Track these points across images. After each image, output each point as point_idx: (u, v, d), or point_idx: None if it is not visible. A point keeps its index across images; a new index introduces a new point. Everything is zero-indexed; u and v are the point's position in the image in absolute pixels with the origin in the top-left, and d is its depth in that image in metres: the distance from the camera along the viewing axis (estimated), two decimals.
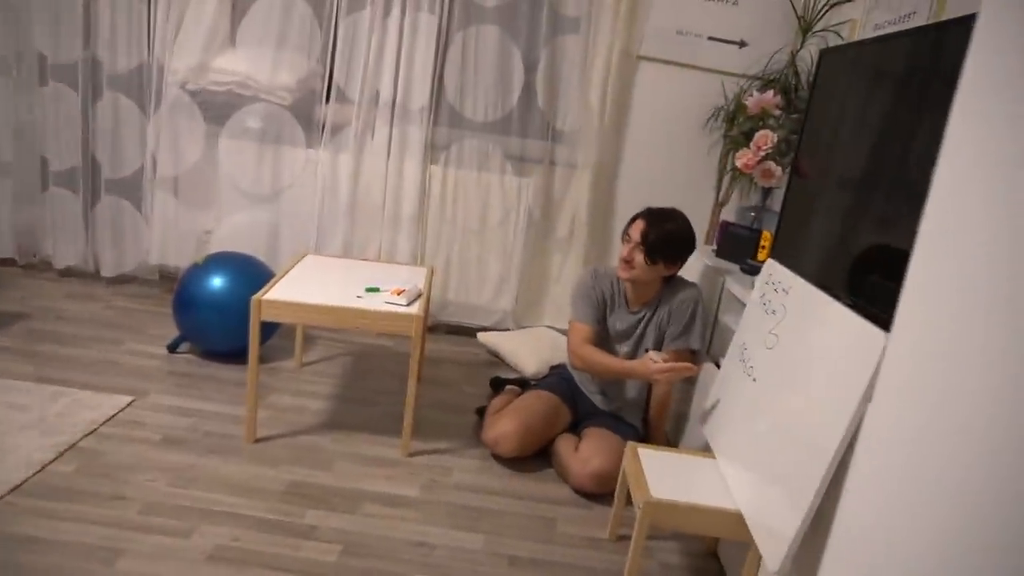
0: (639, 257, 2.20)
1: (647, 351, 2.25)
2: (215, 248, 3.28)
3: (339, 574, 1.71)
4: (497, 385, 2.77)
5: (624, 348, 2.34)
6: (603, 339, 2.35)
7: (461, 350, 3.30)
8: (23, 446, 2.02)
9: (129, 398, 2.40)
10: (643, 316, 2.31)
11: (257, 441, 2.26)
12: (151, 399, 2.43)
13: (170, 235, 3.40)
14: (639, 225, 2.22)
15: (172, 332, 2.90)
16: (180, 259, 3.41)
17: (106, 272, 3.49)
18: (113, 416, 2.28)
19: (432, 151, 3.30)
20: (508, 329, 3.42)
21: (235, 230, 3.35)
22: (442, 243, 3.37)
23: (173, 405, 2.42)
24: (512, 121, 3.29)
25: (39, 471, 1.93)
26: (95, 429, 2.18)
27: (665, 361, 2.08)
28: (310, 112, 3.31)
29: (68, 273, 3.54)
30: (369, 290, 2.35)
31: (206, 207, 3.40)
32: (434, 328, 3.45)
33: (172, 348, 2.82)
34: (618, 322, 2.34)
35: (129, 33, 3.25)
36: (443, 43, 3.20)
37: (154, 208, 3.38)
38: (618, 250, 2.30)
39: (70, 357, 2.66)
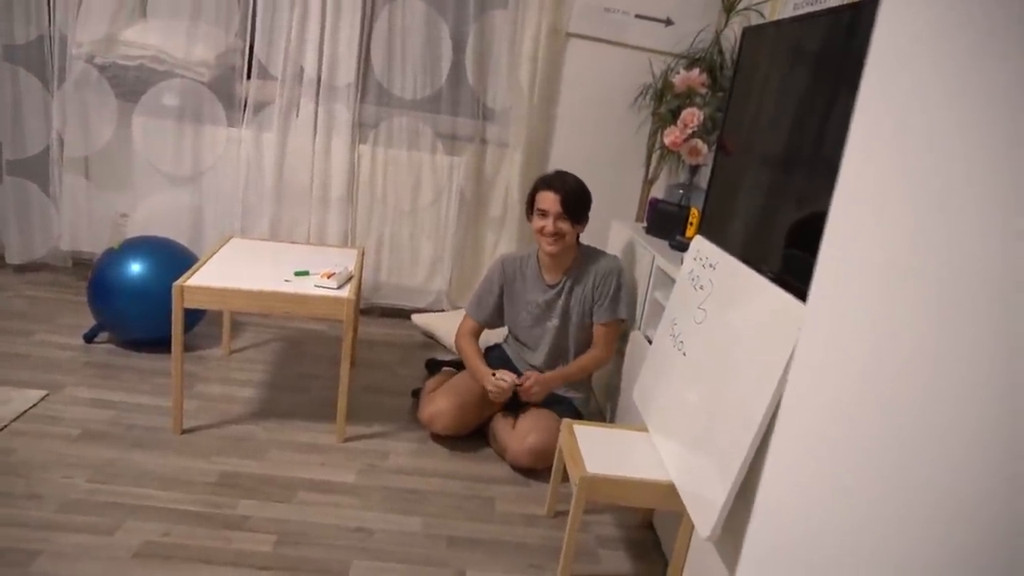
0: (565, 225, 2.23)
1: (565, 322, 2.32)
2: (132, 232, 3.13)
3: (274, 564, 1.68)
4: (433, 367, 2.76)
5: (553, 322, 2.37)
6: (520, 321, 2.40)
7: (395, 332, 3.26)
8: None
9: (42, 392, 2.27)
10: (562, 287, 2.34)
11: (185, 432, 2.18)
12: (67, 392, 2.31)
13: (82, 219, 3.22)
14: (549, 196, 2.24)
15: (88, 321, 2.76)
16: (94, 244, 3.23)
17: (12, 259, 3.27)
18: (25, 411, 2.15)
19: (360, 130, 3.22)
20: (443, 310, 3.40)
21: (154, 213, 3.20)
22: (373, 224, 3.31)
23: (92, 398, 2.30)
24: (442, 99, 3.24)
25: None
26: (5, 426, 2.06)
27: (504, 379, 2.24)
28: (230, 89, 3.17)
29: None
30: (298, 274, 2.29)
31: (121, 189, 3.23)
32: (367, 311, 3.40)
33: (89, 338, 2.68)
34: (536, 298, 2.37)
35: (27, 2, 3.03)
36: (368, 18, 3.11)
37: (63, 190, 3.19)
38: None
39: None
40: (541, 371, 2.42)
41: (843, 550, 0.60)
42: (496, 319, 2.47)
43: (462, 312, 3.32)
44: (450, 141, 3.29)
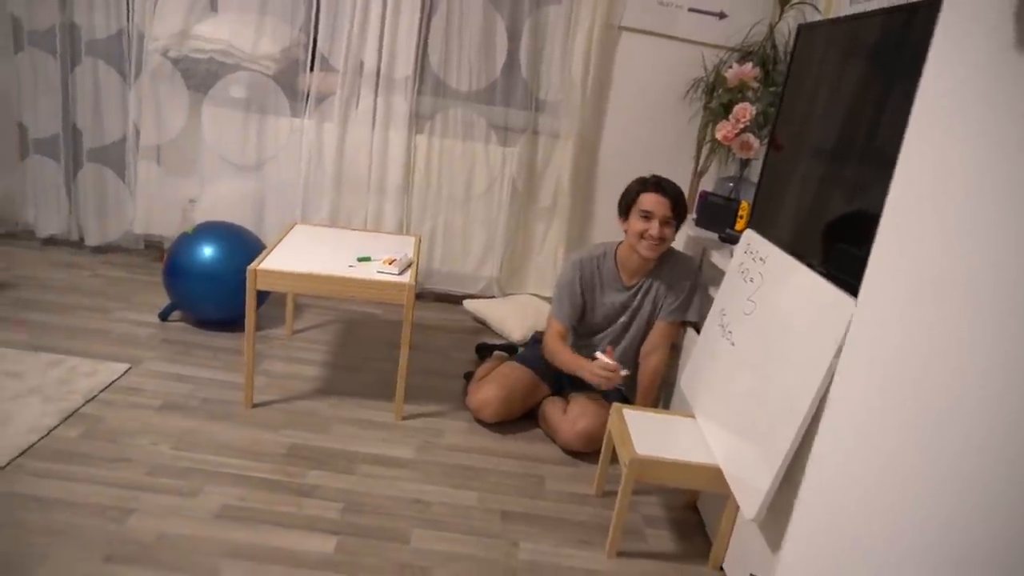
0: (670, 231, 2.26)
1: (636, 326, 2.36)
2: (200, 217, 3.30)
3: (342, 530, 1.81)
4: (483, 351, 2.87)
5: (622, 320, 2.42)
6: (593, 321, 2.44)
7: (448, 317, 3.38)
8: (26, 412, 2.07)
9: (125, 365, 2.45)
10: (639, 288, 2.39)
11: (255, 406, 2.33)
12: (147, 366, 2.49)
13: (154, 204, 3.41)
14: (660, 200, 2.22)
15: (161, 300, 2.94)
16: (165, 228, 3.42)
17: (91, 241, 3.49)
18: (112, 383, 2.33)
19: (417, 121, 3.33)
20: (493, 296, 3.51)
21: (219, 199, 3.37)
22: (428, 212, 3.42)
23: (170, 372, 2.47)
24: (496, 91, 3.32)
25: (45, 436, 1.99)
26: (95, 396, 2.24)
27: (607, 361, 2.18)
28: (294, 81, 3.31)
29: (51, 242, 3.54)
30: (361, 259, 2.41)
31: (190, 176, 3.41)
32: (421, 296, 3.52)
33: (164, 316, 2.86)
34: (612, 300, 2.40)
35: None
36: (427, 12, 3.21)
37: (138, 177, 3.38)
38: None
39: (61, 325, 2.70)
40: (591, 356, 2.49)
41: (882, 533, 0.67)
42: (578, 319, 2.44)
43: (511, 298, 3.43)
44: (503, 132, 3.38)
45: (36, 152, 3.39)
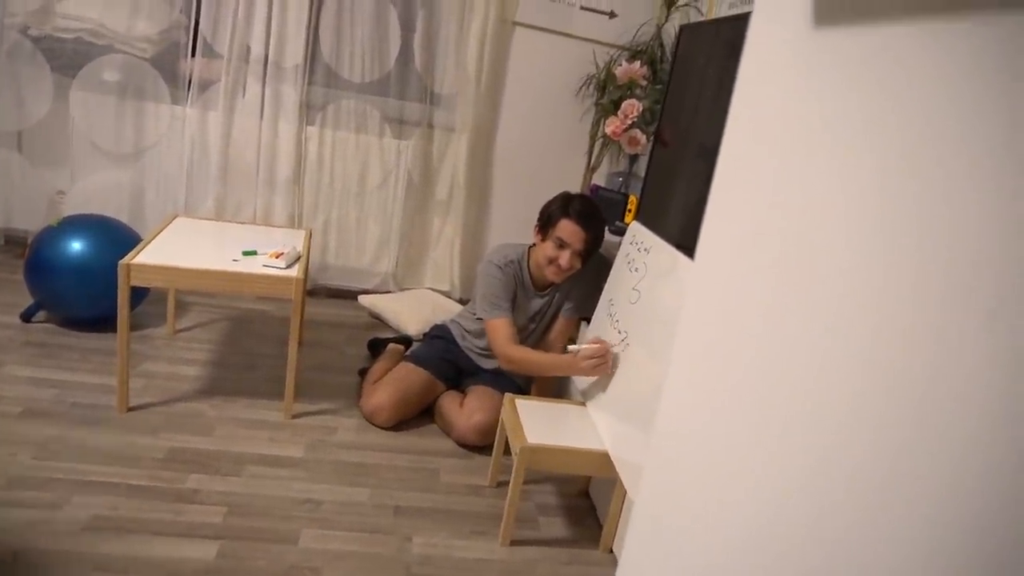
0: (578, 263, 2.22)
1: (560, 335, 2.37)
2: (70, 210, 3.07)
3: (225, 534, 1.73)
4: (376, 347, 2.82)
5: (534, 325, 2.43)
6: (517, 324, 2.36)
7: (342, 313, 3.30)
8: None
9: None
10: (551, 295, 2.40)
11: (131, 410, 2.19)
12: (6, 370, 2.29)
13: (16, 195, 3.14)
14: (577, 233, 2.17)
15: (24, 300, 2.71)
16: (28, 222, 3.16)
17: None
18: None
19: (308, 111, 3.23)
20: (389, 291, 3.46)
21: (93, 191, 3.14)
22: (320, 206, 3.33)
23: (33, 376, 2.28)
24: (390, 83, 3.27)
25: None
26: None
27: (589, 347, 1.98)
28: (174, 66, 3.13)
29: None
30: (246, 253, 2.31)
31: (58, 166, 3.16)
32: (314, 292, 3.42)
33: (26, 317, 2.64)
34: (528, 306, 2.40)
35: None
36: (316, 1, 3.11)
37: (1, 166, 3.11)
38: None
39: None
40: (481, 356, 2.49)
41: (721, 501, 0.70)
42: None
43: (408, 293, 3.40)
44: (398, 125, 3.33)
45: None
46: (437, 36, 3.26)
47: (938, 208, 0.44)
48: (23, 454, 1.89)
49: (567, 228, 2.18)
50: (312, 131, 3.25)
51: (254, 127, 3.18)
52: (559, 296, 2.41)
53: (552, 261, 2.22)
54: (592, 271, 2.34)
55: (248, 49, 3.10)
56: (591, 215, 2.21)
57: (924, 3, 0.47)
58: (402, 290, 3.48)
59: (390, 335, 2.97)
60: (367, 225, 3.40)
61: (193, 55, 3.12)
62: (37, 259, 2.56)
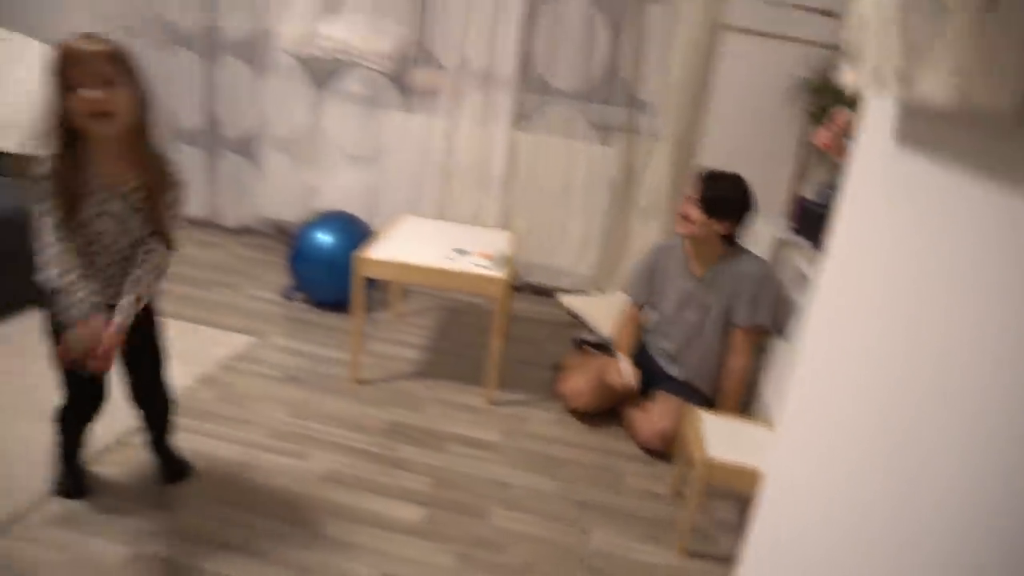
0: (695, 212, 2.34)
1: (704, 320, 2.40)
2: (322, 205, 3.59)
3: (430, 501, 1.98)
4: (579, 344, 2.97)
5: (690, 315, 2.46)
6: (665, 310, 2.51)
7: (543, 310, 3.51)
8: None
9: (252, 338, 2.75)
10: (706, 281, 2.42)
11: (360, 383, 2.56)
12: (270, 340, 2.78)
13: (283, 191, 3.74)
14: (698, 185, 2.37)
15: (286, 280, 3.24)
16: (291, 213, 3.74)
17: (227, 222, 3.88)
18: (240, 353, 2.63)
19: (519, 117, 3.46)
20: (588, 293, 3.60)
21: (340, 189, 3.65)
22: (528, 207, 3.55)
23: (289, 346, 2.75)
24: (597, 89, 3.39)
25: (183, 394, 2.28)
26: (226, 363, 2.53)
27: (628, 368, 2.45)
28: (405, 78, 3.52)
29: (194, 223, 3.95)
30: (459, 251, 2.57)
31: (314, 166, 3.70)
32: (519, 288, 3.66)
33: (287, 296, 3.16)
34: (680, 287, 2.46)
35: (244, 0, 3.53)
36: (530, 10, 3.31)
37: (268, 165, 3.72)
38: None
39: (201, 298, 3.05)
40: (673, 357, 2.54)
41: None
42: (651, 303, 2.58)
43: (606, 296, 3.51)
44: (603, 131, 3.45)
45: (182, 141, 3.79)
46: (644, 42, 3.31)
47: None
48: (280, 412, 2.31)
49: (693, 185, 2.40)
50: (522, 136, 3.47)
51: (470, 132, 3.47)
52: (716, 289, 2.39)
53: (678, 215, 2.42)
54: (750, 271, 2.37)
55: (467, 61, 3.39)
56: (712, 171, 2.41)
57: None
58: (600, 292, 3.61)
59: (591, 337, 3.11)
60: (570, 227, 3.56)
61: (421, 67, 3.48)
62: (297, 248, 3.05)
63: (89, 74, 1.40)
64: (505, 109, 3.42)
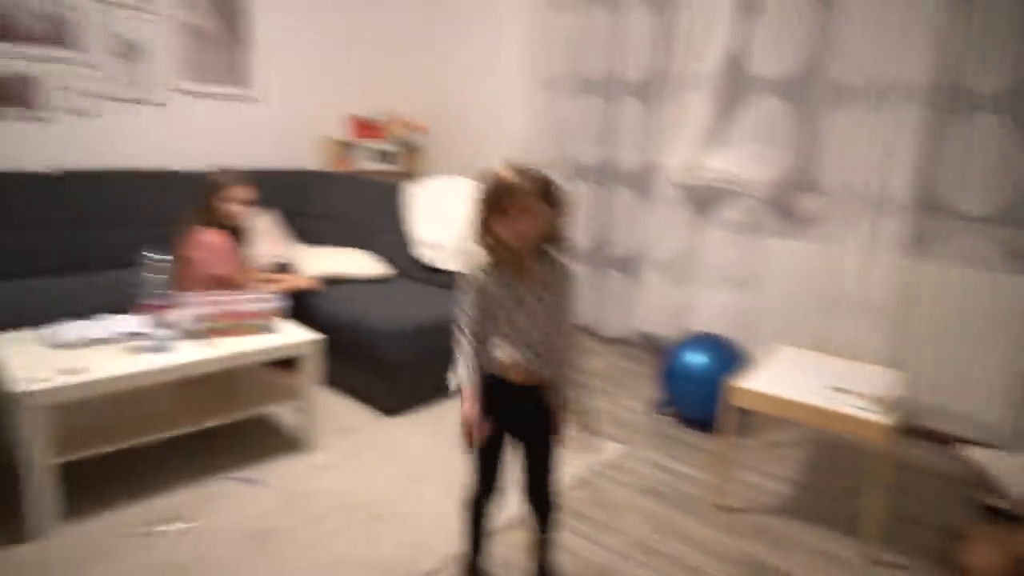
0: None
1: None
2: (694, 325, 3.75)
3: None
4: (988, 512, 2.53)
5: None
6: None
7: (937, 460, 3.07)
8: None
9: (622, 446, 2.96)
10: None
11: (721, 508, 2.55)
12: (638, 451, 2.96)
13: (659, 308, 4.00)
14: None
15: (655, 393, 3.43)
16: (666, 329, 3.97)
17: (606, 332, 4.28)
18: (610, 459, 2.85)
19: (912, 244, 3.19)
20: (997, 446, 3.04)
21: (713, 310, 3.77)
22: (923, 343, 3.20)
23: (655, 460, 2.89)
24: (1008, 215, 2.97)
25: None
26: (598, 468, 2.78)
27: None
28: (788, 204, 3.54)
29: (580, 330, 4.44)
30: (837, 390, 2.45)
31: (690, 286, 3.90)
32: (908, 431, 3.28)
33: (656, 409, 3.34)
34: None
35: (639, 136, 3.98)
36: (932, 134, 3.08)
37: (647, 283, 4.03)
38: None
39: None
40: None
41: None
42: None
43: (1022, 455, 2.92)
44: (1019, 259, 2.98)
45: (577, 259, 4.35)
46: None
47: None
48: (642, 524, 2.44)
49: None
50: (916, 264, 3.18)
51: (856, 260, 3.30)
52: None
53: None
54: None
55: (856, 185, 3.27)
56: None
57: None
58: (1014, 447, 3.02)
59: (999, 502, 2.63)
60: (974, 367, 3.09)
61: (805, 194, 3.46)
62: (669, 364, 3.23)
63: (520, 202, 1.62)
64: (897, 235, 3.20)
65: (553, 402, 1.86)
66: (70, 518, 2.16)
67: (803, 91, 3.43)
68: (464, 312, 1.78)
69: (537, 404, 1.85)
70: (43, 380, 2.05)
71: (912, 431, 3.28)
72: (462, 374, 1.80)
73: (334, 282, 3.45)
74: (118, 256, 3.29)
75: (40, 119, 3.42)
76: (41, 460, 2.04)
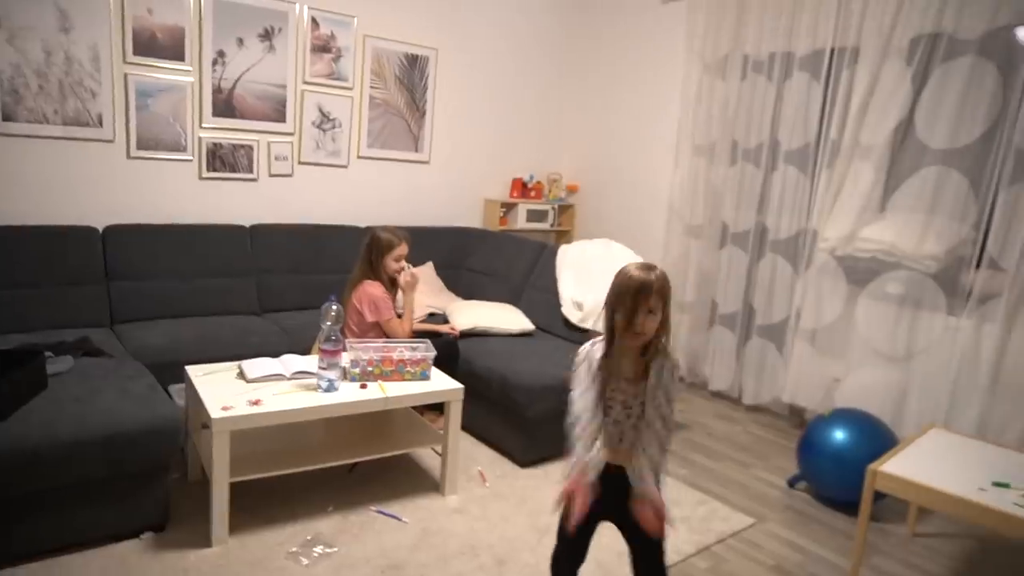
0: None
1: None
2: (840, 398, 3.58)
3: None
4: None
5: None
6: None
7: None
8: (674, 536, 2.70)
9: (752, 520, 2.89)
10: None
11: None
12: (768, 526, 2.87)
13: (803, 378, 3.87)
14: None
15: (793, 467, 3.31)
16: (809, 400, 3.83)
17: (747, 400, 4.18)
18: (738, 532, 2.79)
19: None
20: None
21: (862, 385, 3.58)
22: None
23: (785, 537, 2.80)
24: None
25: (682, 560, 2.56)
26: (724, 539, 2.73)
27: None
28: (955, 279, 3.32)
29: (718, 395, 4.37)
30: (997, 484, 2.27)
31: (839, 358, 3.74)
32: None
33: (791, 483, 3.22)
34: None
35: (793, 204, 3.92)
36: None
37: (793, 353, 3.91)
38: None
39: (712, 470, 3.35)
40: None
41: None
42: None
43: None
44: None
45: (719, 323, 4.31)
46: None
47: None
48: None
49: None
50: None
51: None
52: None
53: None
54: None
55: None
56: None
57: None
58: None
59: None
60: None
61: (977, 268, 3.24)
62: (808, 438, 3.12)
63: (641, 303, 1.69)
64: None
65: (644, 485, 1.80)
66: (232, 532, 2.48)
67: (979, 160, 3.24)
68: (578, 383, 1.83)
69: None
70: (230, 408, 2.41)
71: None
72: (572, 446, 1.82)
73: (483, 334, 3.69)
74: (302, 301, 3.87)
75: (252, 180, 4.04)
76: (221, 478, 2.39)
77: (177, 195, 3.80)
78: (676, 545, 2.63)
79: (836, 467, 2.95)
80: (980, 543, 2.85)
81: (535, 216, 5.12)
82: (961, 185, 3.28)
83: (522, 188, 5.14)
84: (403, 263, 3.29)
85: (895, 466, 2.38)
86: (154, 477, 2.42)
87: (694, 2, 4.37)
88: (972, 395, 3.20)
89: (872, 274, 3.56)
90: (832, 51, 3.76)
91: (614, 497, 1.80)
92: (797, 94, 3.88)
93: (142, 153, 3.65)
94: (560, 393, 3.10)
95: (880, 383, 3.53)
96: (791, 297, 3.96)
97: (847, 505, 2.96)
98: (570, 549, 1.94)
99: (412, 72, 4.55)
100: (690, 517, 2.87)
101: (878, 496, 2.80)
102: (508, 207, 5.07)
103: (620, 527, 1.87)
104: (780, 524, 2.90)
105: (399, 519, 2.68)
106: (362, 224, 4.25)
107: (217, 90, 3.82)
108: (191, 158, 3.81)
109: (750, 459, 3.52)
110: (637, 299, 1.71)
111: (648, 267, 1.76)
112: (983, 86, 3.19)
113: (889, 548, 2.77)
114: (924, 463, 2.41)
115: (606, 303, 1.80)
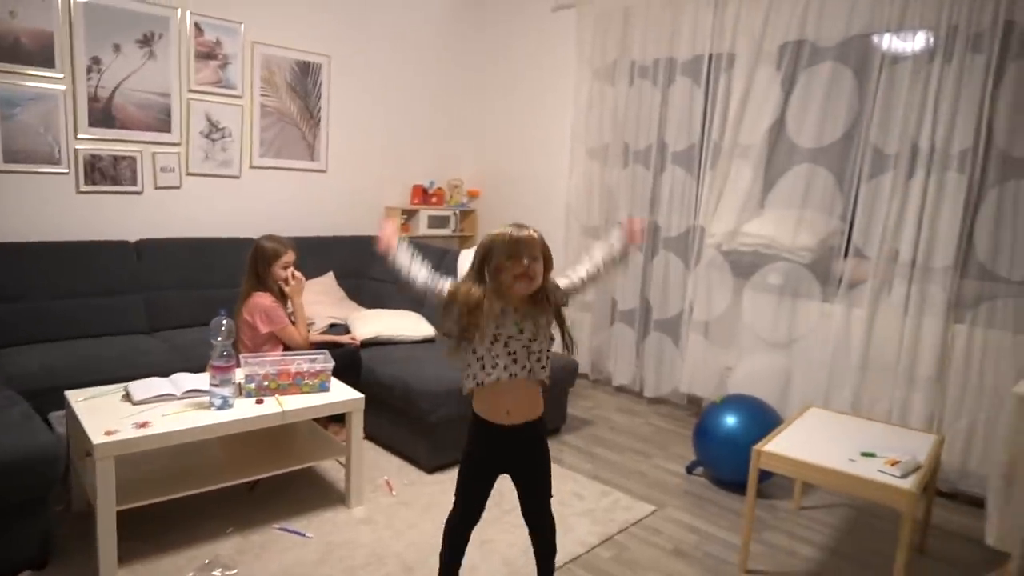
0: None
1: None
2: (733, 386, 3.78)
3: None
4: None
5: None
6: None
7: (979, 526, 2.99)
8: (579, 527, 2.79)
9: (652, 507, 3.01)
10: None
11: (748, 572, 2.57)
12: (668, 512, 3.00)
13: (699, 369, 4.06)
14: None
15: (692, 454, 3.46)
16: (704, 389, 4.02)
17: (648, 393, 4.34)
18: (640, 520, 2.90)
19: (956, 310, 3.17)
20: None
21: (751, 371, 3.80)
22: (965, 408, 3.15)
23: (684, 521, 2.93)
24: None
25: (587, 552, 2.64)
26: (626, 528, 2.83)
27: None
28: (827, 268, 3.58)
29: (621, 390, 4.52)
30: (864, 455, 2.46)
31: (729, 348, 3.95)
32: (953, 495, 3.20)
33: (689, 469, 3.38)
34: None
35: (682, 203, 4.11)
36: (974, 201, 3.10)
37: (688, 345, 4.10)
38: None
39: (615, 462, 3.46)
40: None
41: None
42: None
43: None
44: None
45: (619, 320, 4.46)
46: None
47: None
48: None
49: None
50: (960, 329, 3.16)
51: (896, 325, 3.30)
52: None
53: None
54: None
55: (896, 252, 3.30)
56: None
57: None
58: None
59: None
60: None
61: (845, 258, 3.50)
62: (702, 424, 3.28)
63: (526, 251, 1.83)
64: (939, 301, 3.19)
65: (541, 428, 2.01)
66: (123, 562, 2.36)
67: (842, 157, 3.50)
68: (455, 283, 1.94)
69: (527, 440, 1.99)
70: (114, 433, 2.30)
71: (958, 494, 3.20)
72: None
73: (386, 343, 3.67)
74: (194, 317, 3.71)
75: (137, 193, 3.86)
76: (107, 507, 2.27)
77: (53, 210, 3.59)
78: (580, 537, 2.71)
79: (728, 451, 3.12)
80: (857, 512, 3.08)
81: (437, 222, 5.13)
82: (828, 180, 3.55)
83: (423, 194, 5.14)
84: (291, 270, 3.22)
85: (777, 445, 2.54)
86: (33, 511, 2.27)
87: (583, 10, 4.52)
88: (846, 375, 3.46)
89: (754, 267, 3.79)
90: (710, 57, 3.97)
91: (511, 451, 1.98)
92: (681, 98, 4.08)
93: (11, 166, 3.43)
94: (463, 397, 3.10)
95: (767, 369, 3.75)
96: (684, 292, 4.15)
97: (741, 486, 3.12)
98: (466, 508, 2.05)
99: (305, 80, 4.47)
100: (594, 509, 2.95)
101: (765, 475, 2.98)
102: (409, 214, 5.06)
103: (515, 478, 2.03)
104: (679, 509, 3.03)
105: (303, 535, 2.63)
106: (257, 236, 4.13)
107: (93, 99, 3.64)
108: (67, 171, 3.60)
109: (651, 449, 3.66)
110: (522, 246, 1.83)
111: (521, 225, 1.89)
112: (842, 89, 3.46)
113: (776, 522, 2.95)
114: (802, 440, 2.59)
115: (478, 258, 1.89)
